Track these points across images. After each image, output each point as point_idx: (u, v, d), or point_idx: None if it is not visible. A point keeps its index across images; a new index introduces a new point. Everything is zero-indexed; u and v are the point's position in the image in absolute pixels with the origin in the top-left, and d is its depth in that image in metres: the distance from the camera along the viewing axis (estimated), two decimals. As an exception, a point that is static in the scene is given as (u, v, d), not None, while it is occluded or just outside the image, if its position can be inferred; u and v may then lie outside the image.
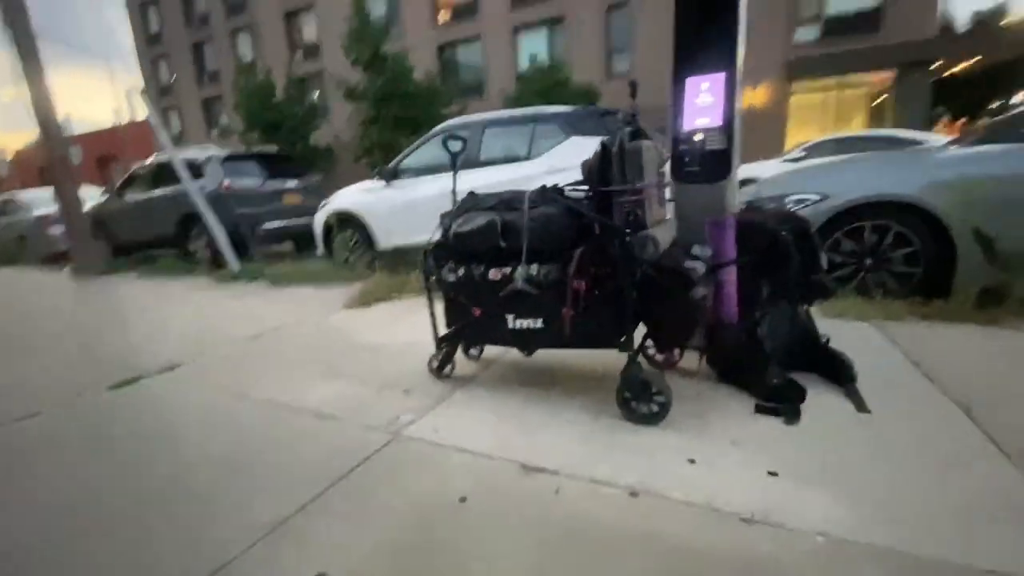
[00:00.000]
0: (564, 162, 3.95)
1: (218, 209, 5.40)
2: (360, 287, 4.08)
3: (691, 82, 2.06)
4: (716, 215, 2.09)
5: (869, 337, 2.36)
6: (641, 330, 1.78)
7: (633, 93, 1.59)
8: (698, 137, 2.07)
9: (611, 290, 1.63)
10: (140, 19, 28.31)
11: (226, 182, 5.95)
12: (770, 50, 14.17)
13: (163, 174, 6.72)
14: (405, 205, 4.64)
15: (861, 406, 1.68)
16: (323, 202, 5.40)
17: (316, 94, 21.91)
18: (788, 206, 3.29)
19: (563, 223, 1.70)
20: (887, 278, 3.05)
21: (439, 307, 2.05)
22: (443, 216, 1.94)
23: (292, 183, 6.66)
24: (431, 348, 2.13)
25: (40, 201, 8.72)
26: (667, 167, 2.08)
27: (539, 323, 1.78)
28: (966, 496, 1.23)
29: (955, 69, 15.95)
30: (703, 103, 2.05)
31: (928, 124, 15.18)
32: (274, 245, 6.65)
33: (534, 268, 1.74)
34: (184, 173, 5.39)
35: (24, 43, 6.05)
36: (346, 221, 5.04)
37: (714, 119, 2.04)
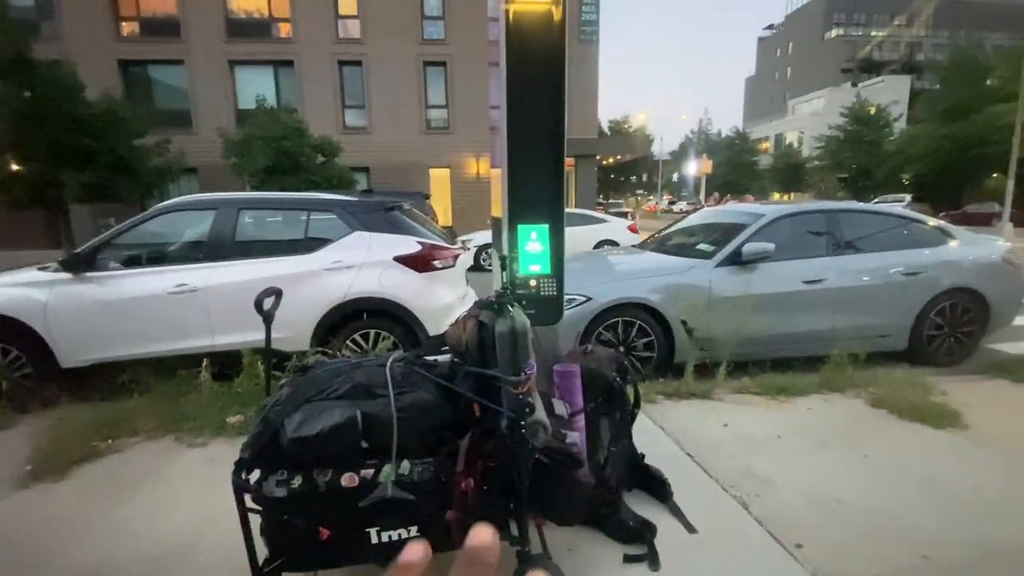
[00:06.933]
0: (351, 258, 3.58)
1: None
2: (38, 435, 2.69)
3: (523, 229, 2.15)
4: (552, 353, 2.20)
5: (649, 431, 2.84)
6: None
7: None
8: (532, 283, 2.16)
9: (500, 482, 1.48)
10: None
11: None
12: (475, 130, 16.73)
13: None
14: (111, 305, 3.35)
15: (689, 527, 1.97)
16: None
17: None
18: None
19: (442, 411, 1.47)
20: (635, 361, 3.80)
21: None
22: (266, 411, 1.42)
23: None
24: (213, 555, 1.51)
25: None
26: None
27: (414, 531, 1.47)
28: None
29: (609, 161, 21.98)
30: (534, 251, 2.16)
31: (596, 198, 20.49)
32: None
33: (406, 467, 1.44)
34: None
35: None
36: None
37: (544, 267, 2.17)
